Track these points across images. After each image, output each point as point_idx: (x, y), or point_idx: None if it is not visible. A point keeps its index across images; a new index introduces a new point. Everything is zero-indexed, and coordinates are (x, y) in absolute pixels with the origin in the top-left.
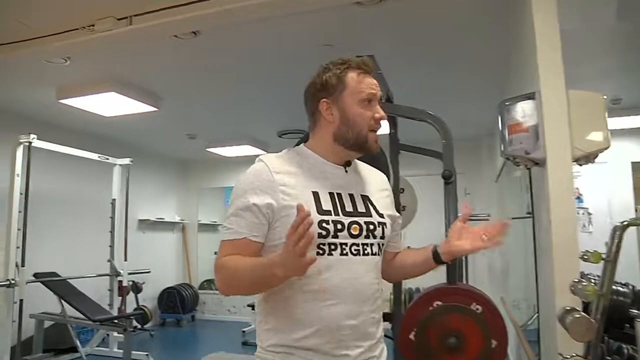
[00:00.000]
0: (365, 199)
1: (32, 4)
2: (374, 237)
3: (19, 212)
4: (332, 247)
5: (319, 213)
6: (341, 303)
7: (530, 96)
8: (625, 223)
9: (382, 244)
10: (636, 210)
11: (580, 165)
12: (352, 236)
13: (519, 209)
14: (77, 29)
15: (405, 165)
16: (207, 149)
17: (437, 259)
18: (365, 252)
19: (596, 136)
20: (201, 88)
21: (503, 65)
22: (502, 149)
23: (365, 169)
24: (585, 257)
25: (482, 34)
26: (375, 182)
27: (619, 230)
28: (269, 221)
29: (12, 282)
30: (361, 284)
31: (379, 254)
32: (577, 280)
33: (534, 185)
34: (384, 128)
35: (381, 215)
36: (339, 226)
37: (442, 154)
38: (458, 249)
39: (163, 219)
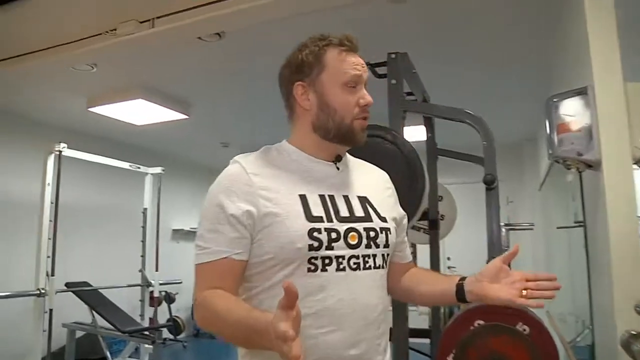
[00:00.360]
0: (364, 200)
1: (54, 11)
2: (377, 246)
3: (50, 221)
4: (326, 261)
5: (308, 220)
6: (339, 329)
7: (581, 91)
8: None
9: (387, 254)
10: None
11: None
12: (349, 246)
13: (565, 217)
14: (100, 34)
15: (441, 172)
16: None
17: (460, 296)
18: (367, 265)
19: None
20: (231, 94)
21: (545, 62)
22: (550, 150)
23: (360, 164)
24: None
25: (520, 30)
26: (374, 180)
27: None
28: (250, 233)
29: (43, 291)
30: (363, 305)
31: (383, 266)
32: None
33: (586, 191)
34: (421, 134)
35: (383, 220)
36: (334, 235)
37: (482, 158)
38: (490, 295)
39: (197, 229)
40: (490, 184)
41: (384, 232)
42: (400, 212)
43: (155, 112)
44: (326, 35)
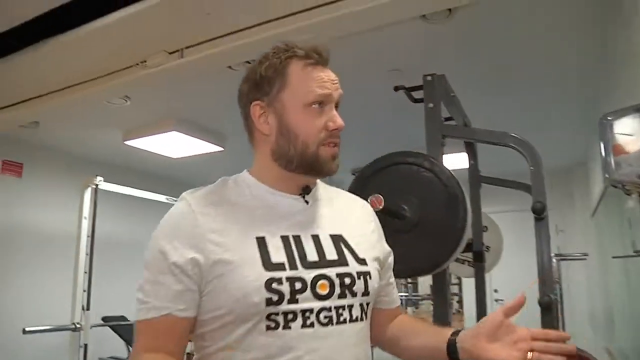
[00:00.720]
0: (338, 239)
1: (83, 46)
2: (353, 294)
3: (86, 254)
4: (289, 317)
5: (266, 269)
6: None
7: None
8: None
9: (367, 303)
10: None
11: None
12: (319, 298)
13: (622, 246)
14: (131, 66)
15: (485, 201)
16: None
17: (453, 354)
18: (342, 318)
19: None
20: None
21: (594, 81)
22: (607, 174)
23: (335, 195)
24: None
25: (565, 49)
26: (352, 213)
27: None
28: (198, 285)
29: (78, 325)
30: None
31: (362, 318)
32: None
33: None
34: (463, 161)
35: (362, 262)
36: (298, 285)
37: (529, 184)
38: (486, 356)
39: None
40: (539, 213)
41: (362, 277)
42: (385, 249)
43: (191, 145)
44: (291, 45)
